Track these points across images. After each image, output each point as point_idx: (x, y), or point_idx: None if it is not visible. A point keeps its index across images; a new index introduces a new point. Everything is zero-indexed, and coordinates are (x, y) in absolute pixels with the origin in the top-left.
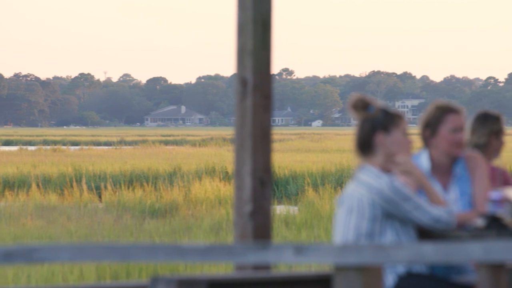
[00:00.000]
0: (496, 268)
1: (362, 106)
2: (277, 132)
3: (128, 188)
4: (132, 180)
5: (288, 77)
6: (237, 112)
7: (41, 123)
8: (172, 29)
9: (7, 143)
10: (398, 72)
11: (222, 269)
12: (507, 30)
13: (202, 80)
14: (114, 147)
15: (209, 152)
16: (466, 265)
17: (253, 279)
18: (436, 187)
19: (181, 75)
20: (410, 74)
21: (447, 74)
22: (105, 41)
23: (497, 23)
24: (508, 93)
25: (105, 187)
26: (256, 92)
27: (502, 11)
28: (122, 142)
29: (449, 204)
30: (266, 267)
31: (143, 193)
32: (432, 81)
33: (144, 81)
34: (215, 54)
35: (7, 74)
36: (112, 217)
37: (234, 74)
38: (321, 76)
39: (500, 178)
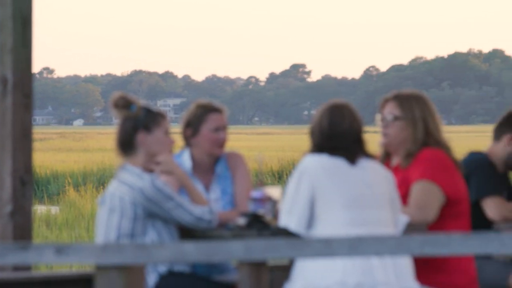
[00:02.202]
0: (257, 267)
1: (123, 105)
2: (38, 131)
3: None
4: None
5: (49, 76)
6: None
7: None
8: None
9: None
10: (160, 71)
11: None
12: (267, 32)
13: None
14: None
15: None
16: (228, 263)
17: (13, 280)
18: (198, 186)
19: None
20: (172, 73)
21: (208, 73)
22: None
23: (260, 26)
24: (269, 93)
25: None
26: (16, 91)
27: (259, 15)
28: None
29: (211, 203)
30: (27, 267)
31: None
32: (193, 80)
33: None
34: None
35: None
36: None
37: None
38: (83, 75)
39: None
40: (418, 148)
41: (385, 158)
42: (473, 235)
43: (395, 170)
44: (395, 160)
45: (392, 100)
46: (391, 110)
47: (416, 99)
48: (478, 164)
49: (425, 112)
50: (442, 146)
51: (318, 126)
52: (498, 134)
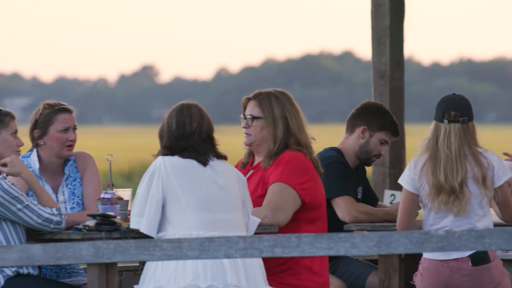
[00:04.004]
0: (106, 268)
1: None
2: None
3: None
4: None
5: None
6: None
7: None
8: None
9: None
10: (8, 72)
11: None
12: (117, 31)
13: None
14: None
15: None
16: (77, 265)
17: None
18: (46, 188)
19: None
20: (19, 73)
21: (57, 74)
22: None
23: (108, 25)
24: (119, 93)
25: None
26: None
27: (107, 14)
28: None
29: (59, 205)
30: None
31: None
32: (42, 81)
33: None
34: None
35: None
36: None
37: None
38: None
39: None
40: (279, 148)
41: (249, 157)
42: (323, 236)
43: (256, 169)
44: (258, 160)
45: (252, 100)
46: (251, 109)
47: (276, 97)
48: (327, 162)
49: (285, 111)
50: (303, 147)
51: (167, 128)
52: (351, 126)
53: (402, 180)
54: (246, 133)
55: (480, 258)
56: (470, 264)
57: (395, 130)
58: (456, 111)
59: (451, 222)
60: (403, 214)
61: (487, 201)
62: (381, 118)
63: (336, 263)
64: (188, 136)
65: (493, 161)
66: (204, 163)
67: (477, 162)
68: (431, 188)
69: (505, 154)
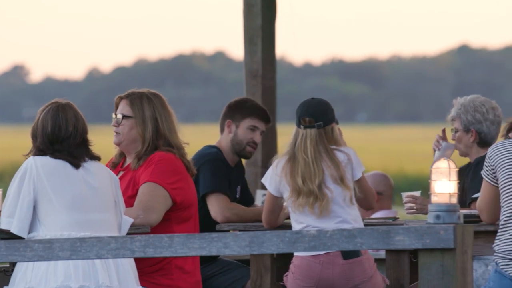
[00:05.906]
0: None
1: None
2: None
3: None
4: None
5: None
6: None
7: None
8: None
9: None
10: None
11: None
12: None
13: None
14: None
15: None
16: None
17: None
18: None
19: None
20: None
21: None
22: None
23: None
24: None
25: None
26: None
27: None
28: None
29: None
30: None
31: None
32: None
33: None
34: None
35: None
36: None
37: None
38: None
39: None
40: (148, 149)
41: (120, 158)
42: (196, 236)
43: (126, 170)
44: (129, 161)
45: (124, 99)
46: (122, 108)
47: (148, 98)
48: (207, 159)
49: (156, 112)
50: (174, 148)
51: (42, 130)
52: (221, 125)
53: (265, 180)
54: (116, 132)
55: (351, 252)
56: (341, 258)
57: (259, 113)
58: (311, 116)
59: (315, 221)
60: (266, 212)
61: (351, 197)
62: (242, 108)
63: (214, 265)
64: (63, 140)
65: (351, 155)
66: (77, 166)
67: (333, 161)
68: (291, 191)
69: (440, 135)
